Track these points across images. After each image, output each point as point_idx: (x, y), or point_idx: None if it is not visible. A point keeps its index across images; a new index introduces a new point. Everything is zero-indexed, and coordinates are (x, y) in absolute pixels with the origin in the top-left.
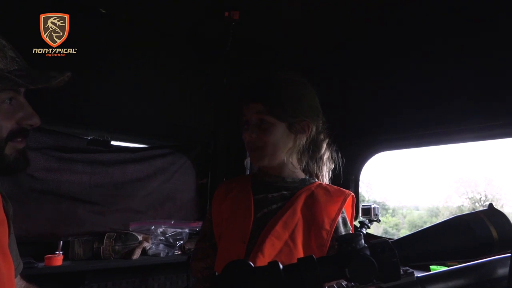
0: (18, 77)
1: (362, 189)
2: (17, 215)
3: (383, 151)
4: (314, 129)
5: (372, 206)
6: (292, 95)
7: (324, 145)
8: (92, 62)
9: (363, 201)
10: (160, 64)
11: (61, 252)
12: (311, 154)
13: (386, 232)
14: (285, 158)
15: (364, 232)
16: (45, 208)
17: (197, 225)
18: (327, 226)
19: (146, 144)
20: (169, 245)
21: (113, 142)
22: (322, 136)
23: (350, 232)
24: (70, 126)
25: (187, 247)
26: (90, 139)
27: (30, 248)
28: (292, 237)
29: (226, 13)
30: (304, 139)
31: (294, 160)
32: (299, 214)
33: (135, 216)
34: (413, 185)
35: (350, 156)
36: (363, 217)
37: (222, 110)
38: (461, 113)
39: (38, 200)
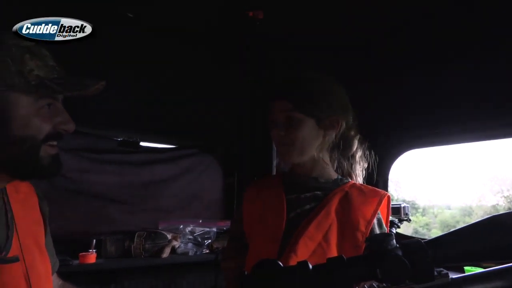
0: (57, 84)
1: (391, 187)
2: (52, 214)
3: (413, 148)
4: (344, 125)
5: (402, 205)
6: (319, 91)
7: (356, 142)
8: (120, 65)
9: (392, 200)
10: (186, 64)
11: (94, 250)
12: (342, 151)
13: (416, 232)
14: (315, 155)
15: (394, 232)
16: (78, 207)
17: (225, 224)
18: (362, 228)
19: (173, 145)
20: (198, 244)
21: (141, 143)
22: (352, 132)
23: None
24: (100, 128)
25: (215, 246)
26: (120, 140)
27: (65, 246)
28: (325, 238)
29: (251, 13)
30: (334, 135)
31: (325, 157)
32: (333, 215)
33: (164, 215)
34: (444, 183)
35: (378, 154)
36: (392, 217)
37: (247, 109)
38: (496, 108)
39: (72, 200)
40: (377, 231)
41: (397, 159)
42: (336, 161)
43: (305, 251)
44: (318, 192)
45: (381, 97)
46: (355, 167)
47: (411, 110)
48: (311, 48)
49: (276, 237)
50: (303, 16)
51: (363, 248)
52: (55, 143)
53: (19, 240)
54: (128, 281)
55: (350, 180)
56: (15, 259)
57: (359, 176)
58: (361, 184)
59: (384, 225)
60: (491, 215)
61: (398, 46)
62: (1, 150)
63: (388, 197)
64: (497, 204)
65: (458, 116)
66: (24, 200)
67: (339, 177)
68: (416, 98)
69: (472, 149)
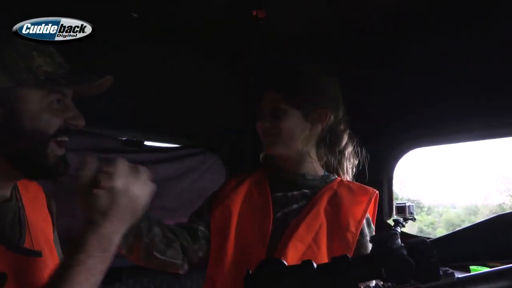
0: (65, 79)
1: (395, 186)
2: (61, 214)
3: (417, 147)
4: (332, 118)
5: (407, 204)
6: (307, 83)
7: (345, 137)
8: (123, 65)
9: (397, 199)
10: (189, 64)
11: None
12: (330, 145)
13: (421, 231)
14: (300, 148)
15: (399, 231)
16: None
17: None
18: (352, 229)
19: (177, 144)
20: None
21: (146, 143)
22: (342, 127)
23: (373, 232)
24: (105, 128)
25: None
26: (125, 140)
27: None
28: (315, 240)
29: (254, 12)
30: (321, 128)
31: (312, 151)
32: (322, 216)
33: (168, 214)
34: (449, 182)
35: (383, 152)
36: (397, 216)
37: (250, 108)
38: (500, 106)
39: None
40: (366, 231)
41: (401, 157)
42: (323, 157)
43: (295, 254)
44: (306, 191)
45: (383, 95)
46: (343, 163)
47: (414, 108)
48: (312, 47)
49: (263, 238)
50: (305, 15)
51: (353, 249)
52: (65, 138)
53: (31, 236)
54: (133, 280)
55: (337, 176)
56: (39, 254)
57: (347, 173)
58: (348, 181)
59: (372, 224)
60: (497, 214)
61: (399, 45)
62: (11, 144)
63: (377, 194)
64: (503, 203)
65: (461, 114)
66: (34, 199)
67: (326, 173)
68: (418, 96)
69: (477, 148)
